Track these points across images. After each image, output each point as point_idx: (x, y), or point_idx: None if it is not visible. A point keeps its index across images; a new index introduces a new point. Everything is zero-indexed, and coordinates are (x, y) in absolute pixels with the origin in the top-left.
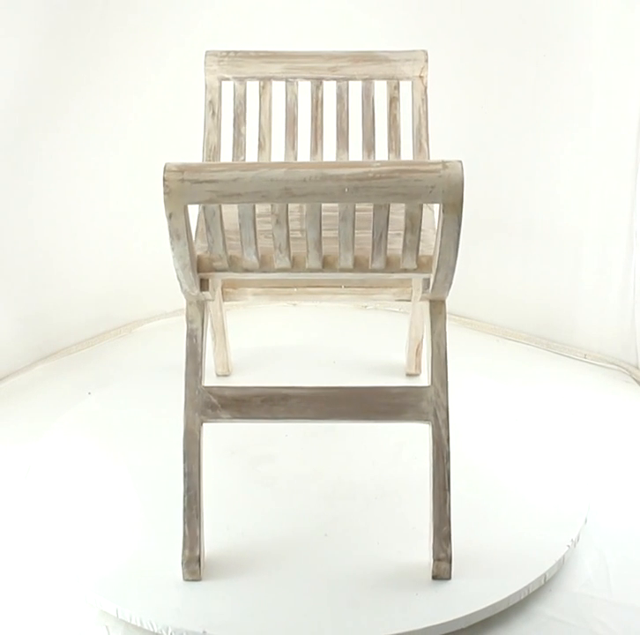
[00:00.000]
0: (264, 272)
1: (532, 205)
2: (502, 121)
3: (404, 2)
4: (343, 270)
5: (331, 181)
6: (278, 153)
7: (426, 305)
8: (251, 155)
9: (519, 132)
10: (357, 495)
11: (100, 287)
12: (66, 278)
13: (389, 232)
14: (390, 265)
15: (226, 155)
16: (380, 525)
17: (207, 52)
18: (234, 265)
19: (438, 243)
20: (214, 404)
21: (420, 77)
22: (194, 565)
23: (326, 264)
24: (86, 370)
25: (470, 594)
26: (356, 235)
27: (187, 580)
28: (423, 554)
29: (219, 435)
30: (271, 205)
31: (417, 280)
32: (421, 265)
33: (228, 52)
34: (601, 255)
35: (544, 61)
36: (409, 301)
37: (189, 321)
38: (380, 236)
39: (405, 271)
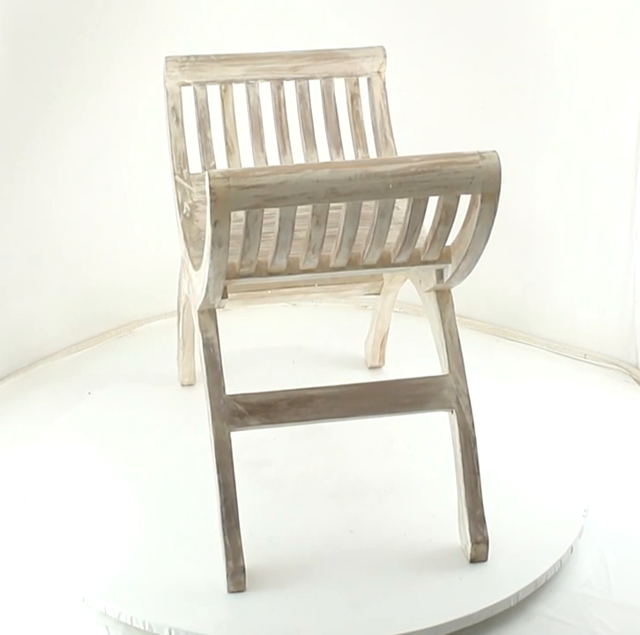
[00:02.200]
0: (290, 274)
1: (531, 204)
2: (502, 120)
3: (400, 2)
4: (366, 266)
5: (375, 178)
6: (247, 157)
7: (431, 296)
8: (220, 160)
9: (519, 132)
10: (366, 490)
11: (100, 287)
12: (65, 278)
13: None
14: (413, 258)
15: (194, 162)
16: (399, 516)
17: (167, 58)
18: (259, 269)
19: (471, 232)
20: (241, 412)
21: (379, 72)
22: (239, 576)
23: (350, 262)
24: (86, 371)
25: (512, 573)
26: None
27: (231, 592)
28: (451, 540)
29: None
30: (313, 206)
31: (389, 274)
32: (442, 256)
33: (189, 57)
34: (601, 255)
35: (544, 61)
36: (378, 294)
37: (204, 331)
38: (414, 231)
39: (426, 263)
